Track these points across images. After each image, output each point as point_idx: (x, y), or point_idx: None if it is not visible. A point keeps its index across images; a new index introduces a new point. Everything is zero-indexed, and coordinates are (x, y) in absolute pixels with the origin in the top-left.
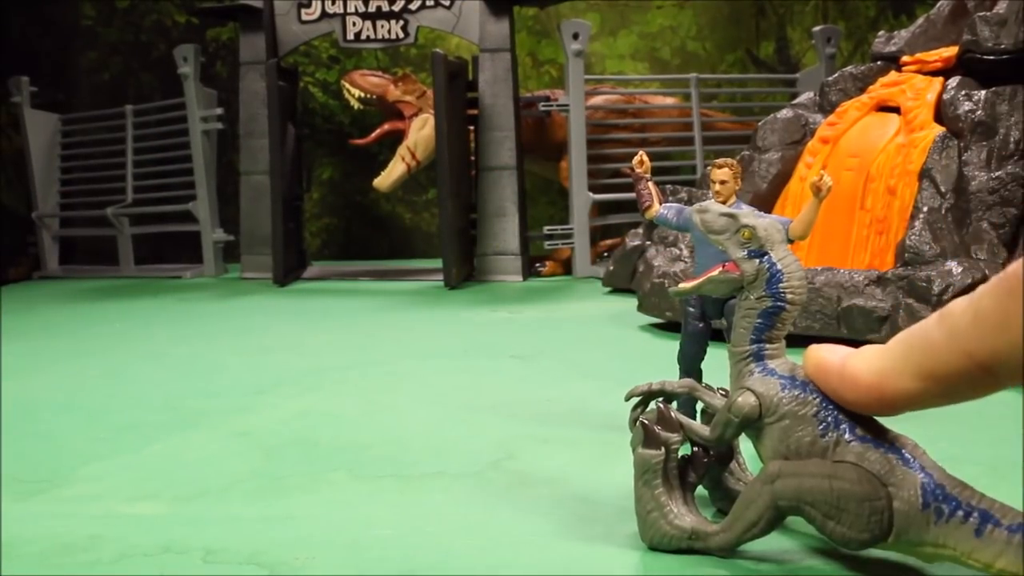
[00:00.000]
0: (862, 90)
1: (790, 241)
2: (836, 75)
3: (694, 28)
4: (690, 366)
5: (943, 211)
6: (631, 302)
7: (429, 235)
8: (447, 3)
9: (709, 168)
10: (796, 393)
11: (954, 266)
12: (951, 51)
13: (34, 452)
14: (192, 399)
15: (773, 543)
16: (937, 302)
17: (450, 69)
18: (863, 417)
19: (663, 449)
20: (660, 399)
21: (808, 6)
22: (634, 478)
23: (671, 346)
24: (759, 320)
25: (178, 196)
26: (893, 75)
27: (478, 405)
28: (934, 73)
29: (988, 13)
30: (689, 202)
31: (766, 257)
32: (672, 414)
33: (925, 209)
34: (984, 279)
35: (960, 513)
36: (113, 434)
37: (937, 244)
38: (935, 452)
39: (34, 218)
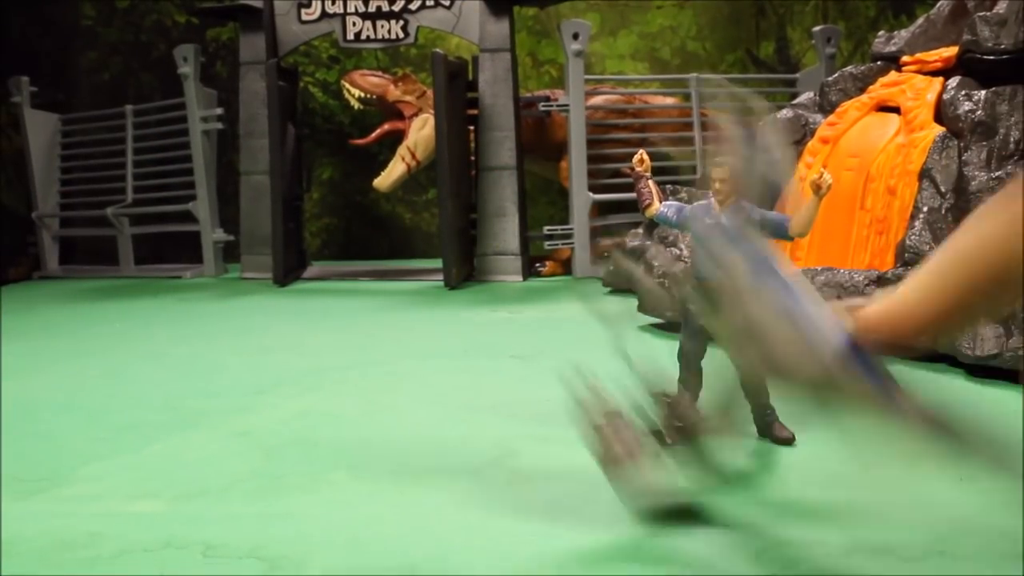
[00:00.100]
0: (862, 90)
1: (790, 238)
2: (836, 75)
3: (694, 28)
4: (691, 364)
5: (943, 211)
6: (631, 302)
7: (429, 235)
8: (447, 3)
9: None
10: None
11: None
12: (951, 51)
13: (34, 452)
14: (192, 399)
15: (771, 543)
16: None
17: (450, 69)
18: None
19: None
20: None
21: (808, 6)
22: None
23: (671, 346)
24: None
25: (178, 196)
26: (893, 75)
27: (478, 405)
28: (934, 73)
29: (988, 13)
30: (689, 202)
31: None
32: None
33: (925, 209)
34: None
35: None
36: (113, 434)
37: (937, 244)
38: None
39: (34, 218)
